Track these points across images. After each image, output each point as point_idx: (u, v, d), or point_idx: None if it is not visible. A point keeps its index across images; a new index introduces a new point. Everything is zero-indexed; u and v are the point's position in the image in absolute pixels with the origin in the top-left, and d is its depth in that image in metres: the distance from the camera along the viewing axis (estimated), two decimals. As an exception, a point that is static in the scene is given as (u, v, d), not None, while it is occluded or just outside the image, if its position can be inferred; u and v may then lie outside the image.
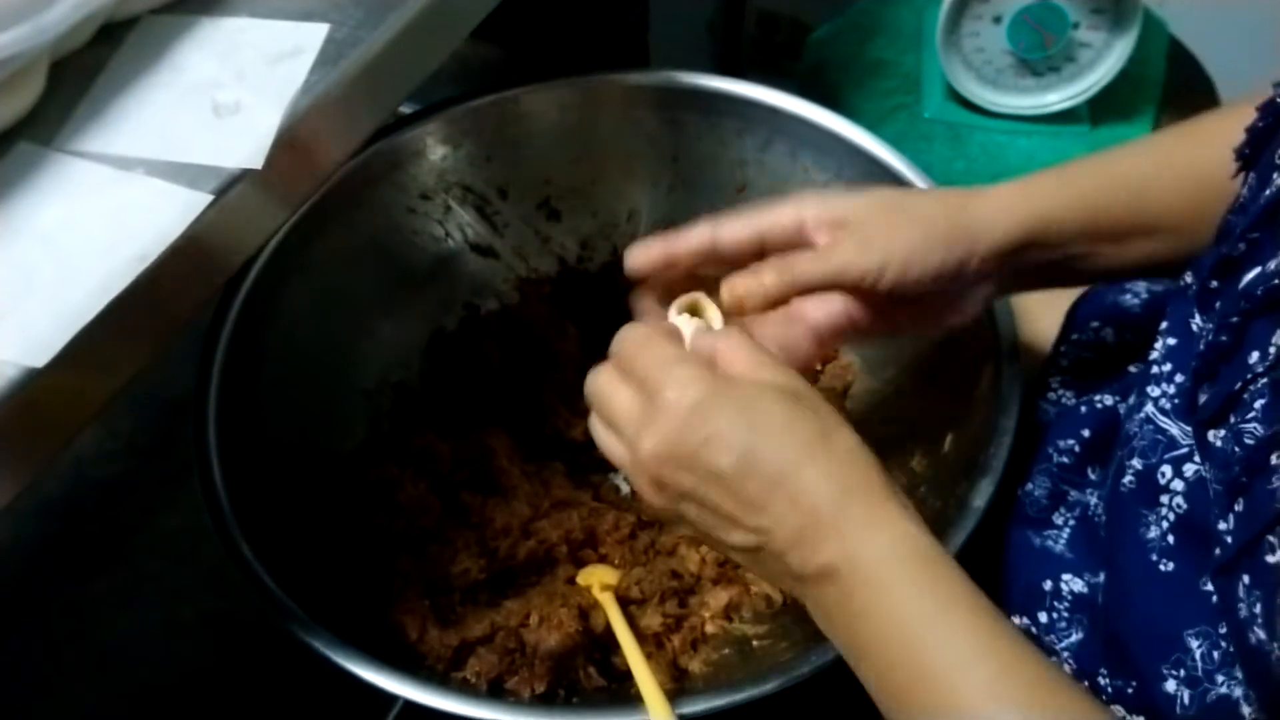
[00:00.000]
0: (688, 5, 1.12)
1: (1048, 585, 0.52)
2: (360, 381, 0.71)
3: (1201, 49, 0.96)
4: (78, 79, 0.45)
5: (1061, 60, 0.85)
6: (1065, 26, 0.82)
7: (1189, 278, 0.49)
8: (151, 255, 0.39)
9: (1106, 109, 0.88)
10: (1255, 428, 0.40)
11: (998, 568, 0.56)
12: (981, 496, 0.54)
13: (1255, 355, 0.41)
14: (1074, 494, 0.55)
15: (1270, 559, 0.37)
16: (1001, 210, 0.52)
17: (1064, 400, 0.61)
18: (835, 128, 0.68)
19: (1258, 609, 0.37)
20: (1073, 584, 0.52)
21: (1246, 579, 0.38)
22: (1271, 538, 0.37)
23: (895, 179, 0.66)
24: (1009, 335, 0.60)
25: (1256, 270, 0.42)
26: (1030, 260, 0.52)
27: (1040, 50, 0.84)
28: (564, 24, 0.93)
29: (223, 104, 0.44)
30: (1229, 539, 0.40)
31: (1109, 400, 0.57)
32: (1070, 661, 0.50)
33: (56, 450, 0.40)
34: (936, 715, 0.39)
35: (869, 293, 0.52)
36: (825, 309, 0.52)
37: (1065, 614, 0.51)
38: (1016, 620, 0.53)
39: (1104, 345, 0.61)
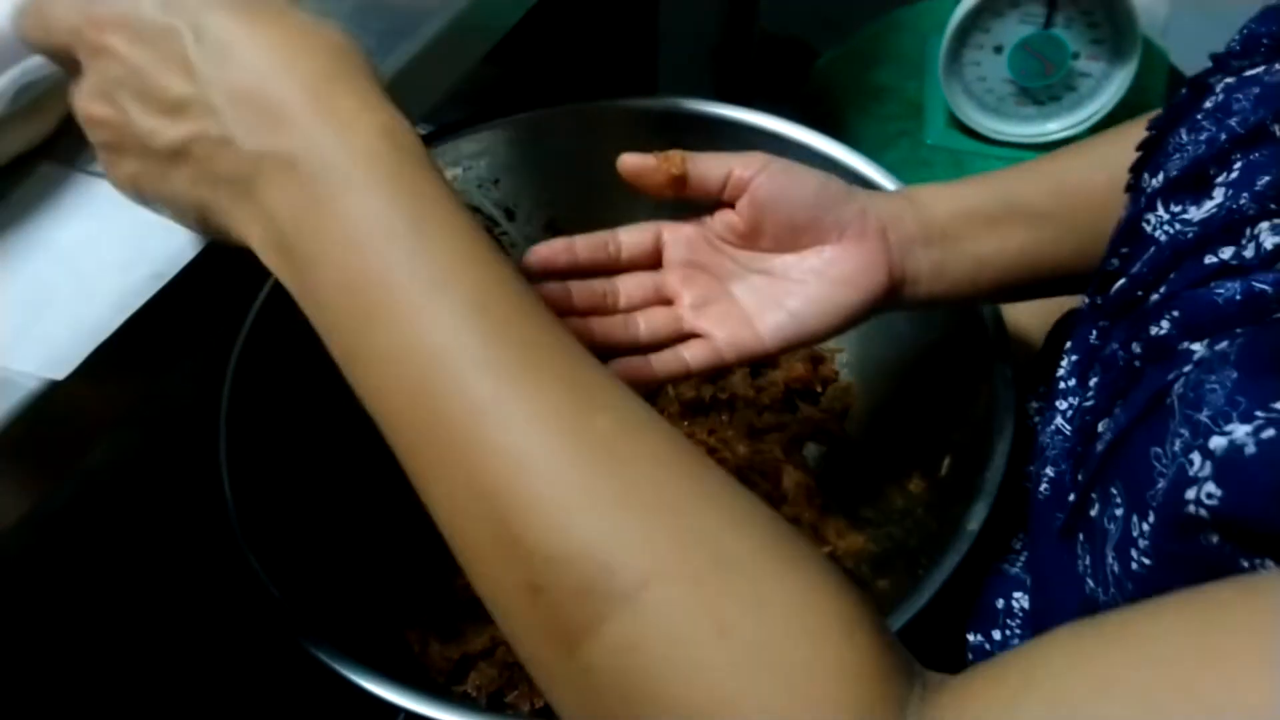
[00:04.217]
0: (695, 30, 1.13)
1: (1000, 604, 0.53)
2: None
3: (1201, 77, 0.97)
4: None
5: (1062, 89, 0.87)
6: (1066, 56, 0.84)
7: (1085, 297, 0.52)
8: (168, 274, 0.41)
9: (1107, 137, 0.89)
10: (1090, 402, 0.44)
11: (960, 588, 0.56)
12: (976, 519, 0.55)
13: (1109, 350, 0.44)
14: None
15: (1092, 513, 0.40)
16: (886, 192, 0.56)
17: (1032, 429, 0.62)
18: (831, 153, 0.70)
19: (1088, 561, 0.40)
20: (1023, 601, 0.53)
21: (1081, 537, 0.41)
22: (1093, 494, 0.40)
23: (895, 205, 0.67)
24: (1005, 360, 0.61)
25: (1123, 281, 0.45)
26: (905, 234, 0.53)
27: (1041, 79, 0.85)
28: (573, 48, 0.94)
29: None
30: (1071, 500, 0.43)
31: None
32: None
33: (73, 462, 0.41)
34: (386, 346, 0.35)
35: (747, 200, 0.51)
36: (715, 218, 0.53)
37: (1017, 630, 0.52)
38: (972, 637, 0.53)
39: None
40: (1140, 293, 0.43)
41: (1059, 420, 0.50)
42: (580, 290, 0.51)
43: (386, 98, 0.38)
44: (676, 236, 0.53)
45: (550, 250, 0.51)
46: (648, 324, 0.51)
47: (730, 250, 0.53)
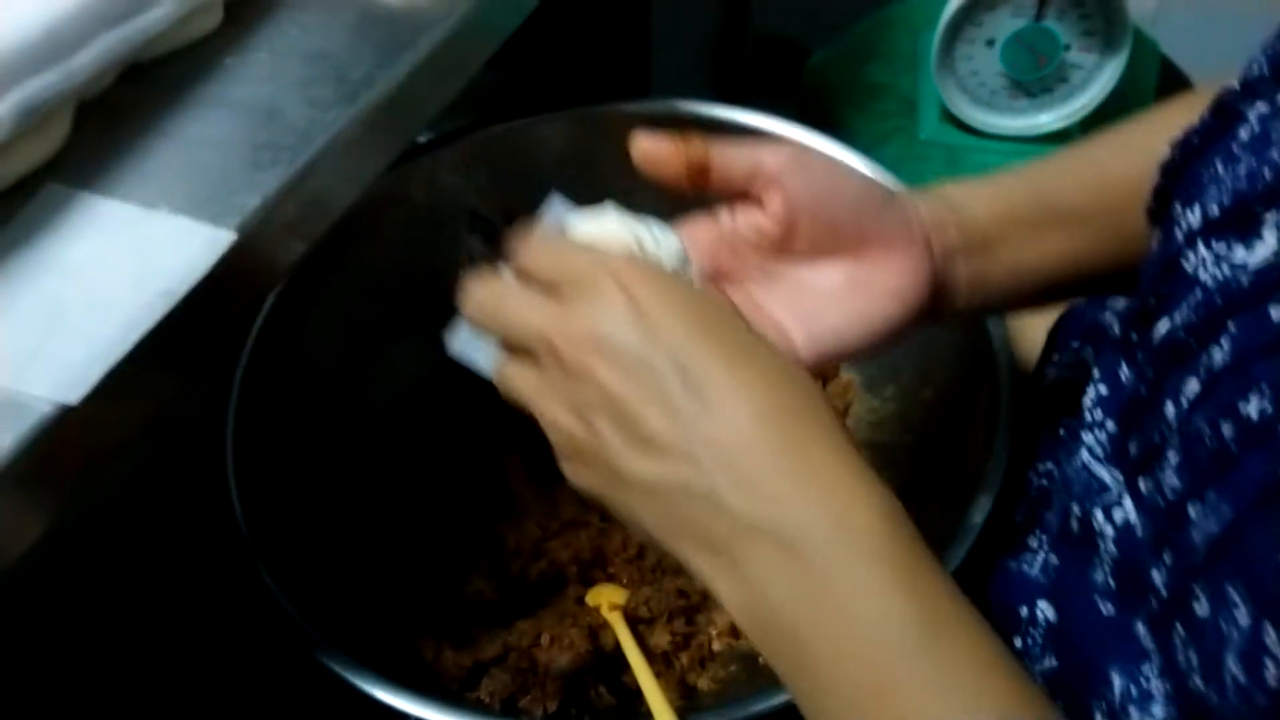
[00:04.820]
0: (689, 30, 1.13)
1: (1024, 611, 0.51)
2: (374, 405, 0.72)
3: (1192, 67, 0.98)
4: (103, 120, 0.46)
5: (1054, 81, 0.87)
6: (1057, 48, 0.84)
7: (1116, 327, 0.50)
8: (178, 291, 0.41)
9: (1100, 127, 0.89)
10: (1173, 481, 0.40)
11: (979, 590, 0.55)
12: (980, 513, 0.55)
13: (1171, 408, 0.41)
14: (1049, 515, 0.55)
15: (1198, 609, 0.37)
16: (920, 192, 0.51)
17: (1044, 422, 0.62)
18: (829, 152, 0.70)
19: (1194, 659, 0.38)
20: (1048, 611, 0.50)
21: (1181, 630, 0.39)
22: (1196, 588, 0.37)
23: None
24: (1005, 356, 0.61)
25: (1166, 323, 0.42)
26: (947, 243, 0.49)
27: (1033, 72, 0.86)
28: (566, 49, 0.94)
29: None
30: (1163, 590, 0.40)
31: None
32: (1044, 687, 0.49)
33: (86, 483, 0.41)
34: None
35: (781, 198, 0.46)
36: (739, 217, 0.48)
37: (1039, 640, 0.50)
38: None
39: (1085, 366, 0.62)
40: (1194, 342, 0.40)
41: (1086, 455, 0.47)
42: None
43: (858, 451, 0.37)
44: (694, 243, 0.47)
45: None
46: None
47: (756, 257, 0.48)
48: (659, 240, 0.44)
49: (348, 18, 0.51)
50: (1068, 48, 0.84)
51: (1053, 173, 0.53)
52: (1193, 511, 0.38)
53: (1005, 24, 0.84)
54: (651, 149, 0.45)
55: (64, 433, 0.38)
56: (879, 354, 0.49)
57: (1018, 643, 0.51)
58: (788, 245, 0.47)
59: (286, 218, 0.46)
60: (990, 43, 0.85)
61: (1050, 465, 0.57)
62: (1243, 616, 0.35)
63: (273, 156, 0.46)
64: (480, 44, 0.55)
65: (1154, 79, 0.93)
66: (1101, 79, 0.86)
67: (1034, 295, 0.53)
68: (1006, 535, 0.57)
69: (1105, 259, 0.52)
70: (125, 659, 0.71)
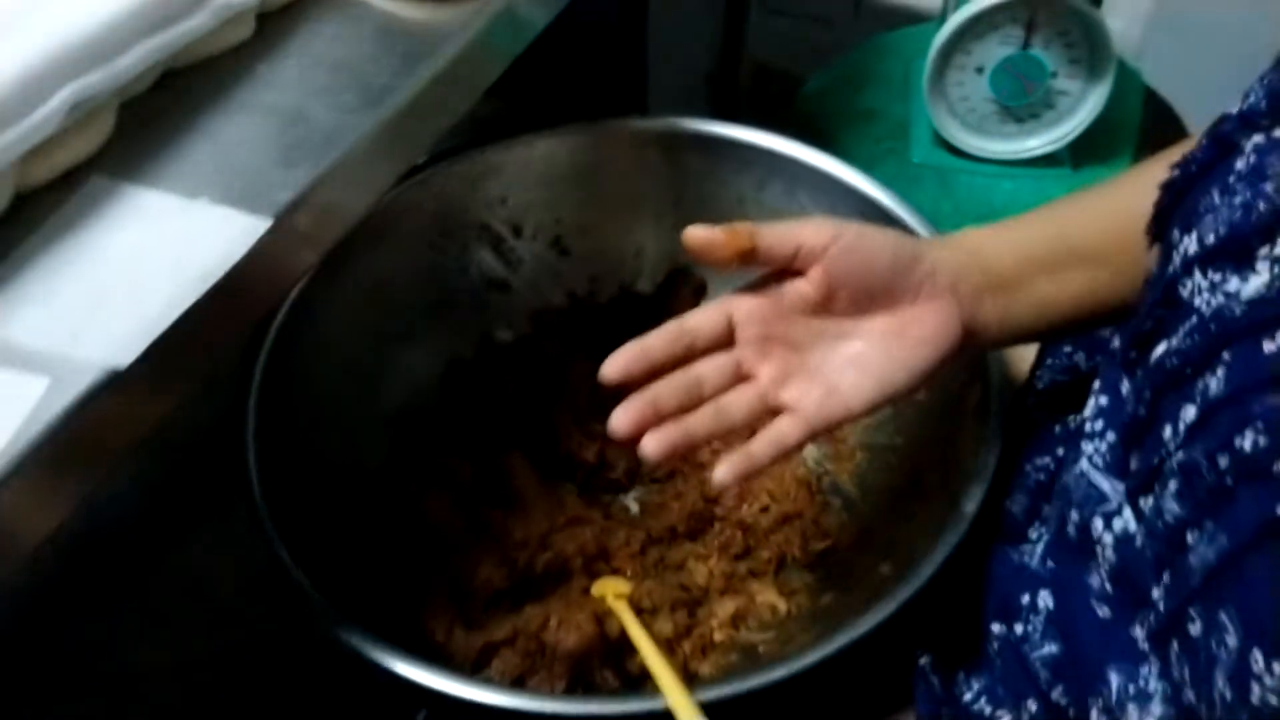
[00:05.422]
0: (685, 59, 1.17)
1: (1025, 599, 0.54)
2: (383, 408, 0.75)
3: (1174, 95, 1.01)
4: (143, 120, 0.49)
5: (1042, 107, 0.90)
6: (1044, 75, 0.87)
7: (1117, 342, 0.52)
8: (216, 274, 0.43)
9: (1086, 152, 0.93)
10: (1173, 506, 0.43)
11: (979, 579, 0.58)
12: (972, 502, 0.57)
13: (1168, 431, 0.44)
14: (1047, 508, 0.58)
15: (1192, 630, 0.40)
16: (941, 241, 0.56)
17: (1040, 420, 0.64)
18: (828, 168, 0.73)
19: (1186, 674, 0.41)
20: (1048, 600, 0.53)
21: (1176, 646, 0.41)
22: (1192, 610, 0.40)
23: (885, 215, 0.71)
24: (996, 357, 0.64)
25: (1164, 346, 0.45)
26: (973, 286, 0.54)
27: (1021, 98, 0.89)
28: (563, 78, 0.97)
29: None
30: (1161, 606, 0.43)
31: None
32: (1044, 671, 0.51)
33: (113, 463, 0.42)
34: None
35: (822, 272, 0.51)
36: (785, 286, 0.53)
37: (1039, 627, 0.53)
38: (995, 627, 0.55)
39: (1076, 369, 0.65)
40: (1189, 370, 0.43)
41: (1085, 464, 0.50)
42: (667, 394, 0.50)
43: None
44: (748, 314, 0.52)
45: (626, 361, 0.50)
46: (738, 408, 0.51)
47: (802, 319, 0.53)
48: None
49: (370, 30, 0.55)
50: (1054, 75, 0.88)
51: (1074, 213, 0.57)
52: (1191, 538, 0.41)
53: (994, 52, 0.87)
54: (704, 238, 0.50)
55: (109, 400, 0.40)
56: (921, 389, 0.54)
57: (1019, 629, 0.54)
58: (829, 306, 0.53)
59: (308, 221, 0.48)
60: (980, 70, 0.88)
61: (1048, 460, 0.59)
62: (1232, 640, 0.37)
63: (302, 156, 0.49)
64: (493, 58, 0.58)
65: (1139, 106, 0.97)
66: (1087, 105, 0.89)
67: (1062, 327, 0.57)
68: (1006, 526, 0.59)
69: (1127, 292, 0.55)
70: (122, 677, 0.72)
